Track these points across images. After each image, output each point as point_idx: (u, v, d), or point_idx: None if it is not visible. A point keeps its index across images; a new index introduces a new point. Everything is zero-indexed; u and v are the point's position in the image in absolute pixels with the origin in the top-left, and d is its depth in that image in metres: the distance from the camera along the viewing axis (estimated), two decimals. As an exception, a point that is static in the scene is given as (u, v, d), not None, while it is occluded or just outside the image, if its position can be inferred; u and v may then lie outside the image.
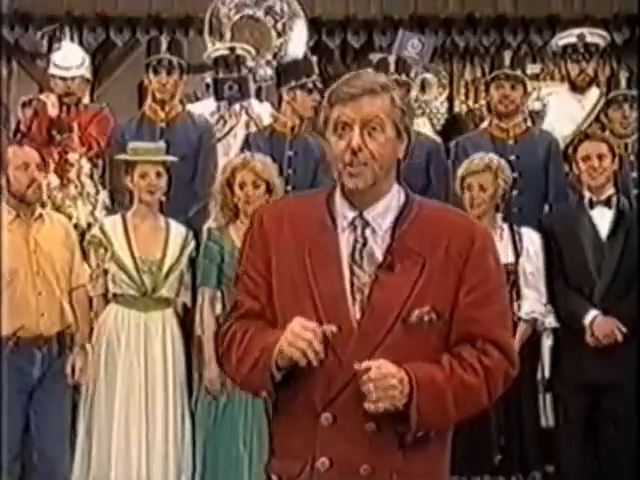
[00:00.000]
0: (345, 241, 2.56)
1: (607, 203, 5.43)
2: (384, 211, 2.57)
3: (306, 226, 2.58)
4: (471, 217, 2.90)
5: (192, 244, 5.51)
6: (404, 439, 2.49)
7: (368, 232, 2.55)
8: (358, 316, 2.51)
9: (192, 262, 5.47)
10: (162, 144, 5.73)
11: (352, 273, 2.53)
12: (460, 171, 5.42)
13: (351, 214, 2.57)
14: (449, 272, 2.52)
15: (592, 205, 5.43)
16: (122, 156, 5.65)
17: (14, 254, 5.08)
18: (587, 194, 5.46)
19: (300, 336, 2.42)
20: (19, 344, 5.07)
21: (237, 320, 2.65)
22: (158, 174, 5.43)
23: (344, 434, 2.48)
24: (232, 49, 6.97)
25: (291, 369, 2.49)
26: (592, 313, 5.25)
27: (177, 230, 5.51)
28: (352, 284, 2.52)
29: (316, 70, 6.54)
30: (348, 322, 2.50)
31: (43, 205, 5.48)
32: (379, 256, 2.54)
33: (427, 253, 2.52)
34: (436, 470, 2.60)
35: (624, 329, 5.23)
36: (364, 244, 2.54)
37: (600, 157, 5.41)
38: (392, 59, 6.62)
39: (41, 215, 5.24)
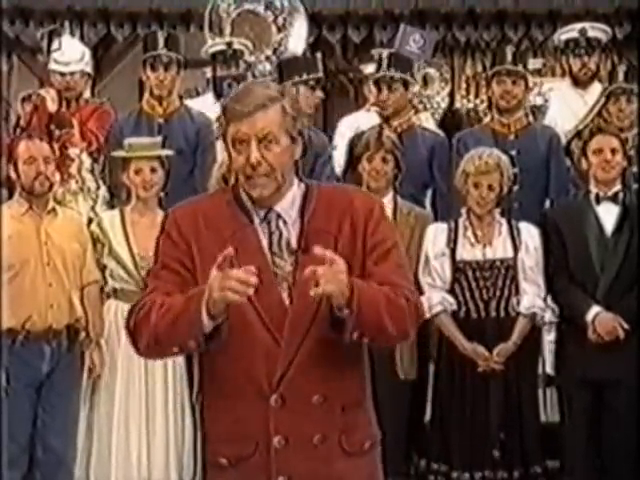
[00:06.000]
0: (261, 234, 2.73)
1: (614, 199, 5.37)
2: (291, 202, 2.75)
3: (223, 224, 2.72)
4: (364, 191, 3.25)
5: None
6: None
7: (281, 224, 2.73)
8: (287, 302, 2.68)
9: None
10: (157, 139, 5.73)
11: (273, 264, 2.70)
12: (469, 168, 5.30)
13: (262, 211, 2.74)
14: (356, 243, 2.73)
15: (598, 200, 5.37)
16: (116, 153, 5.68)
17: (24, 245, 5.18)
18: (594, 189, 5.39)
19: (227, 276, 2.49)
20: (29, 338, 5.11)
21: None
22: (153, 170, 5.44)
23: (294, 412, 2.67)
24: (229, 44, 6.96)
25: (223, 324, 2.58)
26: (594, 309, 5.22)
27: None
28: (275, 275, 2.70)
29: (321, 68, 6.52)
30: (282, 306, 2.68)
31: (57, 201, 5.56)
32: (294, 243, 2.72)
33: (335, 231, 2.72)
34: (371, 421, 2.85)
35: (626, 325, 5.21)
36: (280, 235, 2.72)
37: (613, 151, 5.35)
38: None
39: (54, 209, 5.34)
